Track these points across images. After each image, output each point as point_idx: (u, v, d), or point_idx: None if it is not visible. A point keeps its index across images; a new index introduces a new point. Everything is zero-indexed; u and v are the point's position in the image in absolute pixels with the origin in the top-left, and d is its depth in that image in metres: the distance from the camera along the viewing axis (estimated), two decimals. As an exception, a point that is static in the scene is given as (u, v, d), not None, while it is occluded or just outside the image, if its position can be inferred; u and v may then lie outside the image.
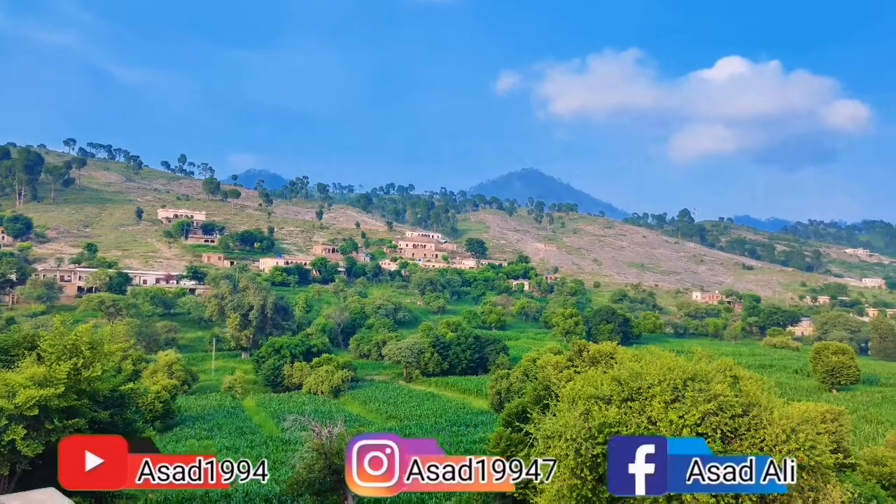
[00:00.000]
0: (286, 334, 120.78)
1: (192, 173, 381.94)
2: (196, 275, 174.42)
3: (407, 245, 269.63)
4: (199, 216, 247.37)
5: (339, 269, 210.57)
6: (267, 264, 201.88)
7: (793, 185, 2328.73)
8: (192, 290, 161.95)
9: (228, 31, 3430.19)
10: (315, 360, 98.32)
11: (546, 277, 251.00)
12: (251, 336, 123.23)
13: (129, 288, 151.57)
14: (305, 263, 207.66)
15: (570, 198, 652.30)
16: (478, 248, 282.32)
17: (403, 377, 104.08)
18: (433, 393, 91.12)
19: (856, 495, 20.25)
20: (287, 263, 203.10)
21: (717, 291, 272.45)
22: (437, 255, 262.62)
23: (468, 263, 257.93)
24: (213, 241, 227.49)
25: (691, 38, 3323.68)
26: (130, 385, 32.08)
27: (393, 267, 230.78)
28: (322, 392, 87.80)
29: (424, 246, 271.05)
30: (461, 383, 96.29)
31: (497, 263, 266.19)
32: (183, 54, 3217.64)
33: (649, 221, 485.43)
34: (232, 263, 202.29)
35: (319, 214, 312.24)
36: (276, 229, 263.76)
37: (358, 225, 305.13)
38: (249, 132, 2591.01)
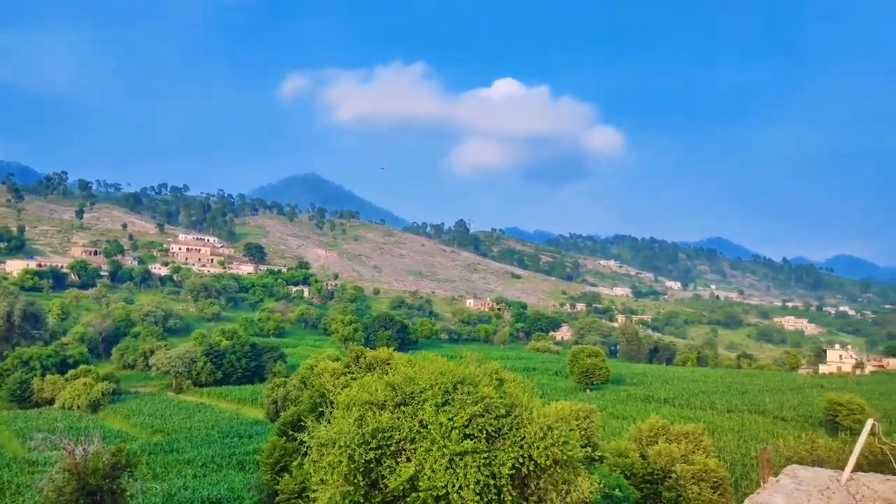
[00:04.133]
0: (37, 344, 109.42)
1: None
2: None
3: (180, 249, 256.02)
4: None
5: (102, 274, 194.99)
6: (15, 266, 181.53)
7: (557, 200, 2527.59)
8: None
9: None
10: (71, 372, 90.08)
11: (326, 284, 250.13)
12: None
13: None
14: (62, 266, 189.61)
15: (352, 205, 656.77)
16: (257, 253, 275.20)
17: (173, 388, 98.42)
18: (205, 404, 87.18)
19: (601, 485, 22.26)
20: (40, 266, 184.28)
21: (488, 299, 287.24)
22: (212, 260, 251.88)
23: (246, 269, 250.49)
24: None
25: (472, 56, 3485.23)
26: None
27: (164, 271, 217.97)
28: (79, 407, 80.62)
29: (199, 250, 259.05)
30: (236, 393, 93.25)
31: (277, 269, 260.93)
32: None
33: (428, 230, 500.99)
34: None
35: (80, 213, 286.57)
36: (27, 228, 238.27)
37: (125, 226, 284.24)
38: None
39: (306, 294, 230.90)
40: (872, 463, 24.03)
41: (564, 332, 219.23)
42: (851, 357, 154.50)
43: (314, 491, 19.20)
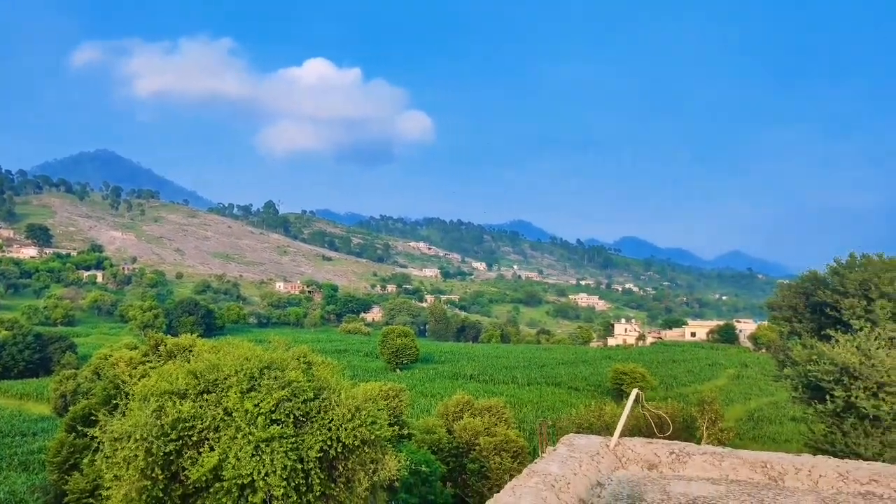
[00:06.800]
0: None
1: None
2: None
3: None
4: None
5: None
6: None
7: (369, 182, 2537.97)
8: None
9: None
10: None
11: (123, 268, 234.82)
12: None
13: None
14: None
15: (152, 184, 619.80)
16: (41, 235, 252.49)
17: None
18: (-21, 402, 78.99)
19: (409, 462, 22.88)
20: None
21: (299, 282, 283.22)
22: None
23: (29, 252, 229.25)
24: None
25: (283, 34, 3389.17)
26: None
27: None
28: None
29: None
30: (17, 388, 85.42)
31: (65, 252, 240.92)
32: None
33: (235, 212, 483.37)
34: None
35: None
36: None
37: None
38: None
39: (100, 279, 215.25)
40: (647, 426, 26.70)
41: (375, 314, 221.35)
42: (635, 330, 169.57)
43: (108, 489, 18.10)
